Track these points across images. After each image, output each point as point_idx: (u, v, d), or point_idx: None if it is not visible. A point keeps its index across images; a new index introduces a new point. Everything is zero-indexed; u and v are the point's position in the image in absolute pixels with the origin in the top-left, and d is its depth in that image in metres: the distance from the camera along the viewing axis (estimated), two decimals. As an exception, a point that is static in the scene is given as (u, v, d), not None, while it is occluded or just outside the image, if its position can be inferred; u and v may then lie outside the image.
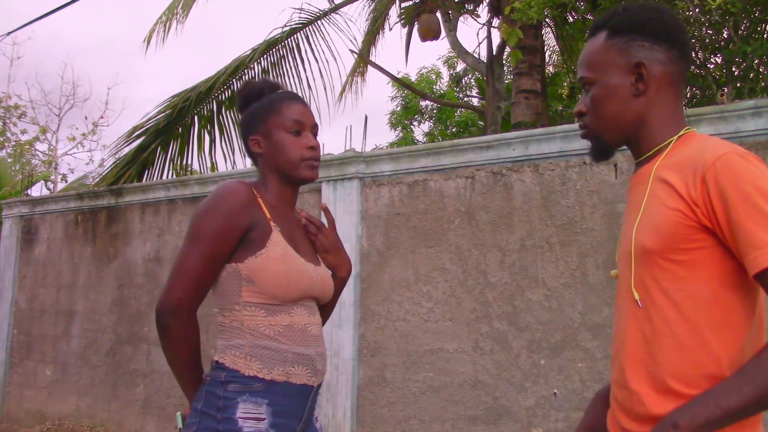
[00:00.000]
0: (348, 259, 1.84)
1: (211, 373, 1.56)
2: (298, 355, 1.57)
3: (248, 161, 7.39)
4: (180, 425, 1.63)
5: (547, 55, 9.03)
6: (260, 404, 1.52)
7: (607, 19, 1.35)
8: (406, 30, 8.01)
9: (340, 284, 1.81)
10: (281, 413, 1.54)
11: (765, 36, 5.09)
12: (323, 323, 1.80)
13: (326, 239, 1.77)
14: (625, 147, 1.39)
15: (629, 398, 1.23)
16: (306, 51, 7.39)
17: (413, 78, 12.87)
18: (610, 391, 1.33)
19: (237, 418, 1.49)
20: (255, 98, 1.74)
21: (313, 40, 7.44)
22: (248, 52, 7.23)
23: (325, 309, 1.79)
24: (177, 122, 6.97)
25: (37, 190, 10.92)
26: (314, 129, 1.72)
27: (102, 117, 14.86)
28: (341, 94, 9.06)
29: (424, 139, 12.86)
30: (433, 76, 13.09)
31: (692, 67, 5.44)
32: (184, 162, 7.02)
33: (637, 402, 1.21)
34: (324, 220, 1.86)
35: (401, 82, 10.13)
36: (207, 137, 7.10)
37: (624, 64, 1.30)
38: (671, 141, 1.29)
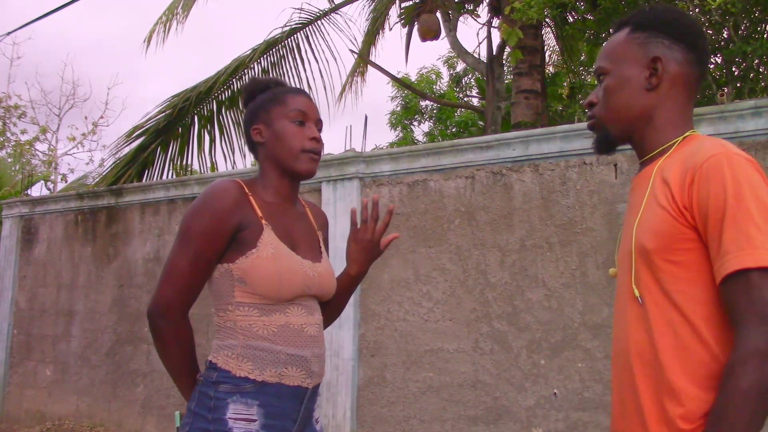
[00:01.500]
0: (367, 263, 1.78)
1: (204, 374, 1.56)
2: (291, 356, 1.55)
3: (248, 161, 7.40)
4: (178, 424, 1.63)
5: (547, 55, 9.03)
6: (251, 405, 1.50)
7: (632, 16, 1.38)
8: (406, 30, 8.01)
9: (349, 282, 1.77)
10: (273, 414, 1.52)
11: (765, 36, 5.09)
12: (330, 322, 1.78)
13: (367, 233, 1.73)
14: (626, 148, 1.39)
15: (636, 398, 1.23)
16: (306, 51, 7.40)
17: (413, 78, 12.88)
18: (612, 393, 1.32)
19: (227, 418, 1.48)
20: (260, 92, 1.73)
21: (313, 40, 7.44)
22: (248, 52, 7.23)
23: (331, 307, 1.75)
24: (177, 122, 6.97)
25: (37, 190, 10.92)
26: (318, 123, 1.70)
27: (102, 117, 14.84)
28: (341, 94, 9.06)
29: (424, 139, 12.87)
30: (433, 76, 13.09)
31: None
32: (184, 162, 7.02)
33: (644, 401, 1.21)
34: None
35: (401, 82, 10.13)
36: (207, 137, 7.10)
37: (641, 57, 1.32)
38: (676, 142, 1.29)
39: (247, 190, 1.60)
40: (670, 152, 1.28)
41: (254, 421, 1.50)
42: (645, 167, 1.33)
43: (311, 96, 1.76)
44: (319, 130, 1.71)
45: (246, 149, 7.04)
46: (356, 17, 21.14)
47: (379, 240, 1.76)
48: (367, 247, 1.75)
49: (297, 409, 1.57)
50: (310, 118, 1.68)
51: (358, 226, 1.76)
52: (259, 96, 1.72)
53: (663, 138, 1.31)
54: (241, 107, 1.90)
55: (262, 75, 7.24)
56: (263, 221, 1.58)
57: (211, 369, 1.54)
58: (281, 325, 1.55)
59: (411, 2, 7.62)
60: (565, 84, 10.24)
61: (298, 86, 7.26)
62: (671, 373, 1.18)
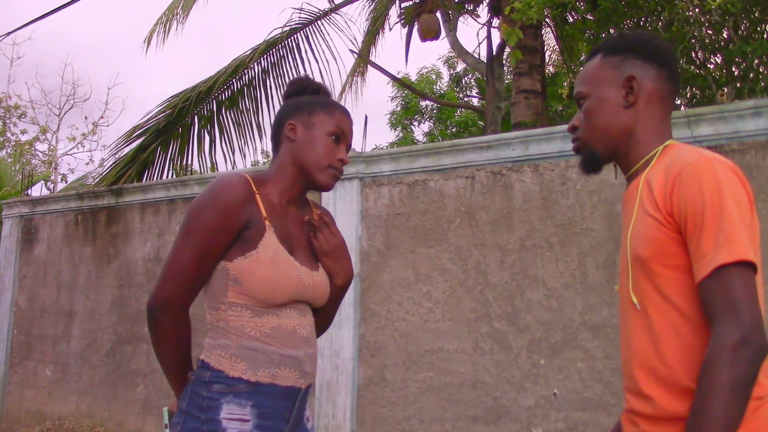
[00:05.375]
0: (348, 267, 1.72)
1: (196, 372, 1.54)
2: (285, 356, 1.53)
3: (248, 162, 7.40)
4: (166, 421, 1.62)
5: (547, 55, 9.03)
6: (244, 406, 1.49)
7: (604, 43, 1.46)
8: (406, 30, 8.01)
9: (337, 292, 1.72)
10: (267, 415, 1.51)
11: (765, 36, 5.08)
12: (324, 330, 1.76)
13: (327, 242, 1.67)
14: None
15: (646, 404, 1.25)
16: (306, 51, 7.39)
17: (413, 78, 12.88)
18: (625, 401, 1.34)
19: (221, 419, 1.47)
20: (310, 92, 1.72)
21: (313, 40, 7.44)
22: (248, 52, 7.23)
23: (323, 314, 1.72)
24: (177, 122, 6.97)
25: (37, 190, 10.94)
26: (349, 147, 1.71)
27: (102, 117, 14.87)
28: (341, 94, 9.07)
29: (424, 139, 12.87)
30: (433, 76, 13.09)
31: (692, 67, 5.43)
32: (184, 162, 7.03)
33: (657, 406, 1.23)
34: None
35: (401, 82, 10.13)
36: (207, 137, 7.10)
37: (616, 78, 1.39)
38: (657, 151, 1.35)
39: (254, 188, 1.57)
40: (653, 162, 1.33)
41: (247, 421, 1.48)
42: (632, 181, 1.38)
43: (353, 120, 1.74)
44: (347, 151, 1.71)
45: (245, 149, 7.08)
46: (356, 17, 21.14)
47: (340, 239, 1.71)
48: (333, 253, 1.69)
49: (290, 409, 1.56)
50: (345, 140, 1.68)
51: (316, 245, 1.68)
52: (307, 95, 1.71)
53: (644, 151, 1.36)
54: (282, 98, 1.87)
55: (262, 75, 7.25)
56: (267, 222, 1.55)
57: (204, 368, 1.53)
58: (273, 327, 1.53)
59: (411, 2, 7.61)
60: (565, 84, 10.22)
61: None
62: (680, 375, 1.20)
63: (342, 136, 1.66)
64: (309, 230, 1.68)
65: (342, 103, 9.24)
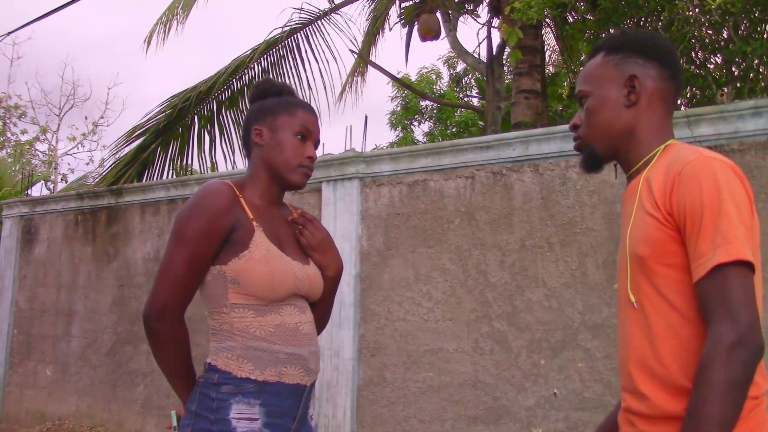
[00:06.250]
0: (338, 258, 1.78)
1: (204, 375, 1.57)
2: (290, 355, 1.57)
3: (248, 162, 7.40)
4: (174, 423, 1.65)
5: (547, 55, 9.03)
6: (253, 405, 1.52)
7: (605, 41, 1.46)
8: (406, 30, 8.01)
9: (330, 284, 1.76)
10: (275, 413, 1.55)
11: (765, 36, 5.08)
12: (323, 326, 1.79)
13: (313, 237, 1.72)
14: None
15: (643, 403, 1.25)
16: (306, 51, 7.40)
17: (413, 78, 12.89)
18: (622, 400, 1.34)
19: (230, 418, 1.50)
20: (272, 95, 1.75)
21: (313, 40, 7.44)
22: (248, 52, 7.23)
23: (320, 308, 1.75)
24: (177, 122, 6.97)
25: (37, 190, 10.94)
26: (317, 143, 1.74)
27: (102, 117, 14.87)
28: (341, 94, 9.07)
29: (424, 139, 12.87)
30: (433, 76, 13.10)
31: (692, 67, 5.43)
32: (184, 162, 7.03)
33: (653, 405, 1.23)
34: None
35: (401, 82, 10.13)
36: (207, 137, 7.11)
37: (618, 77, 1.38)
38: (657, 151, 1.35)
39: (237, 192, 1.62)
40: (653, 162, 1.33)
41: (256, 420, 1.52)
42: (632, 180, 1.38)
43: (317, 115, 1.77)
44: (316, 148, 1.74)
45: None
46: (356, 17, 21.12)
47: (325, 233, 1.76)
48: (321, 247, 1.74)
49: (296, 407, 1.60)
50: (312, 137, 1.72)
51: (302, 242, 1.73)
52: (270, 98, 1.74)
53: (645, 150, 1.36)
54: (248, 102, 1.91)
55: (262, 75, 7.25)
56: (254, 223, 1.59)
57: (212, 371, 1.56)
58: (277, 325, 1.57)
59: (411, 2, 7.61)
60: (565, 84, 10.23)
61: (297, 86, 7.29)
62: (676, 374, 1.20)
63: (307, 133, 1.70)
64: (294, 229, 1.73)
65: (342, 103, 9.28)
